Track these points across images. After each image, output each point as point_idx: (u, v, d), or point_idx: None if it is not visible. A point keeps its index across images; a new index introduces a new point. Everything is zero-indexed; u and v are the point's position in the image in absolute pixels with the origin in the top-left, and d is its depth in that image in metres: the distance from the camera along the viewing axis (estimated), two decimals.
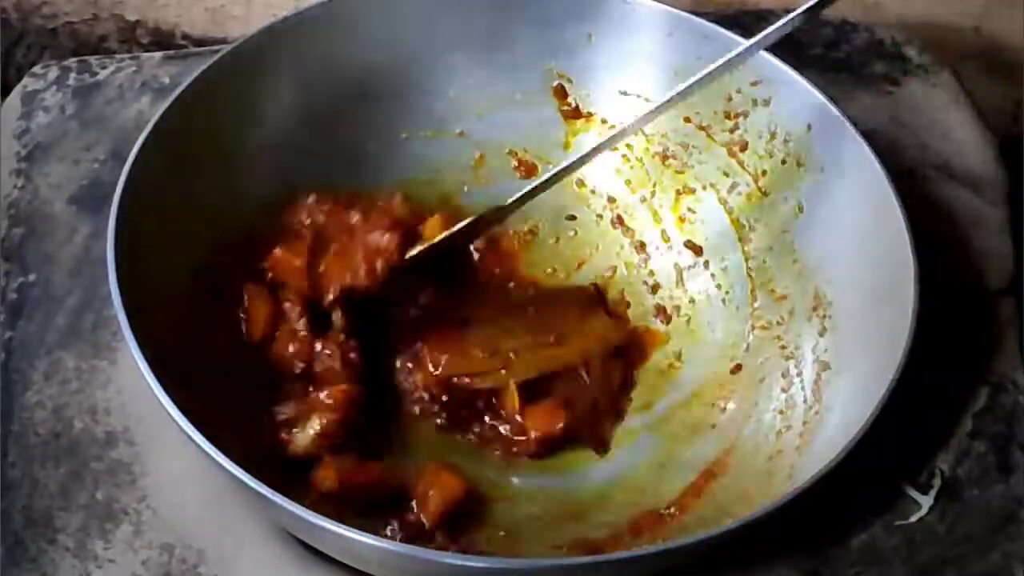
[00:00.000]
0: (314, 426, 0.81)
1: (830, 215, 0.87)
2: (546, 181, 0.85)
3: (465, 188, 0.97)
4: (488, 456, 0.86)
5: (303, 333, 0.85)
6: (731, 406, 0.87)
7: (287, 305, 0.86)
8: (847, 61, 1.04)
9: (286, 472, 0.79)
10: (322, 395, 0.82)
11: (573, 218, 0.97)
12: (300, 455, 0.81)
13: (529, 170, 0.97)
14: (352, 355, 0.85)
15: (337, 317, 0.86)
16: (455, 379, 0.86)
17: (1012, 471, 0.82)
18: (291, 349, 0.84)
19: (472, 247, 0.94)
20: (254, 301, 0.86)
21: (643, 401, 0.89)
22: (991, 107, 1.15)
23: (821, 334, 0.85)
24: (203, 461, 0.72)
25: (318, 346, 0.85)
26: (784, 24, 0.80)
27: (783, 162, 0.90)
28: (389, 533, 0.79)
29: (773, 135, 0.91)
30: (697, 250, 0.93)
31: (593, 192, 0.97)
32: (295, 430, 0.81)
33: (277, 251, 0.87)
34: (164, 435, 0.80)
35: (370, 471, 0.81)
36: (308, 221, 0.89)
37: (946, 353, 0.85)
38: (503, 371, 0.86)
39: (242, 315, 0.86)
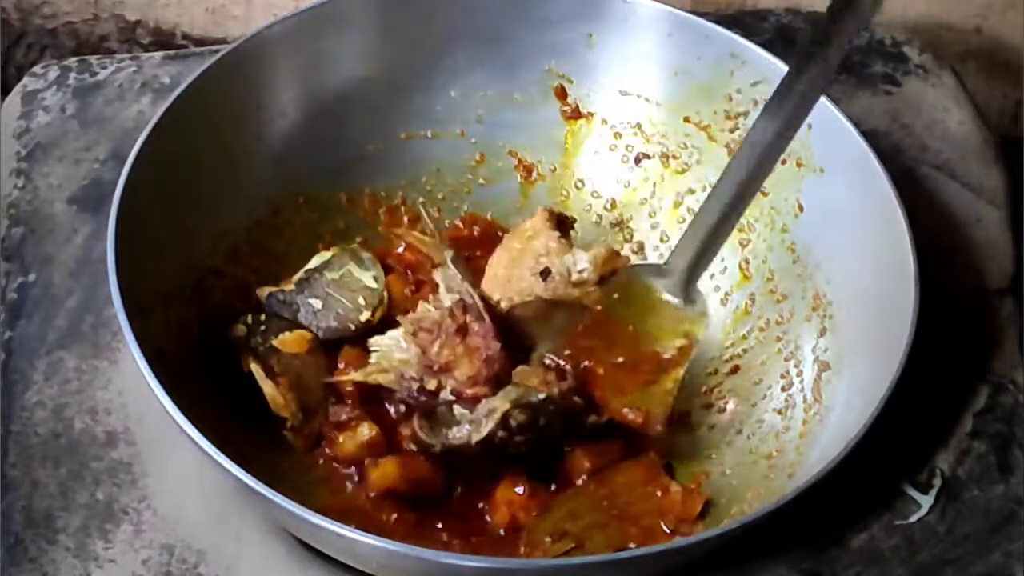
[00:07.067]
0: (363, 434, 0.81)
1: (830, 215, 0.87)
2: None
3: (465, 188, 0.97)
4: None
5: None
6: (731, 406, 0.87)
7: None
8: (847, 61, 1.04)
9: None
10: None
11: (573, 220, 0.97)
12: (343, 459, 0.82)
13: (529, 170, 0.97)
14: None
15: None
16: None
17: (1012, 471, 0.82)
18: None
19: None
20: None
21: None
22: (991, 107, 1.15)
23: (821, 334, 0.85)
24: (203, 461, 0.72)
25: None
26: None
27: (783, 162, 0.90)
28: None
29: None
30: None
31: (592, 194, 0.97)
32: (345, 434, 0.82)
33: None
34: (164, 435, 0.80)
35: (424, 466, 0.81)
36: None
37: (946, 353, 0.85)
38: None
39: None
